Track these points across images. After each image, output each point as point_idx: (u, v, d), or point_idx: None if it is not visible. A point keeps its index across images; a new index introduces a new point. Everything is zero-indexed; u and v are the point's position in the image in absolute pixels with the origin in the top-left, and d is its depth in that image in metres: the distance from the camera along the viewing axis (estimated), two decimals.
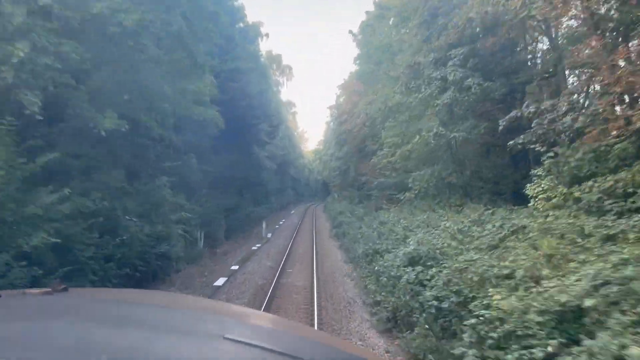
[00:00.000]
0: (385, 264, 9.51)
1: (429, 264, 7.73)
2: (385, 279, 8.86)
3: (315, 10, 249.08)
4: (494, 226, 8.63)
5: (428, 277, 7.57)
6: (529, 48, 15.34)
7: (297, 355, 1.01)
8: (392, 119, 15.86)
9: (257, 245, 22.28)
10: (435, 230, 10.80)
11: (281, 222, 35.46)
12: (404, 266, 8.39)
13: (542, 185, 10.00)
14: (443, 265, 7.51)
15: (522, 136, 9.74)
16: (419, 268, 7.61)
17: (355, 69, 34.00)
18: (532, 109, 10.04)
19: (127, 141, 11.69)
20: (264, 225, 26.02)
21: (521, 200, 14.69)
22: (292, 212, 48.92)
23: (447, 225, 9.92)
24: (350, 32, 25.64)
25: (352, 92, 32.16)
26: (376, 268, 9.64)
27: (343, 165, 39.71)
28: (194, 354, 0.97)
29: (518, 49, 14.68)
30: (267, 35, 30.44)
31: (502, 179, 16.73)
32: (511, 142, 10.00)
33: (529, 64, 14.24)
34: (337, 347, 1.35)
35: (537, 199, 10.11)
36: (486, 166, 16.47)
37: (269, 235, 26.34)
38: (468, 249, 8.05)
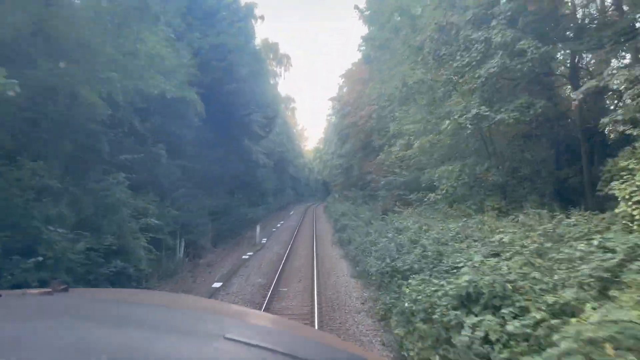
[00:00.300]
0: (419, 297, 6.54)
1: (504, 310, 4.76)
2: (422, 324, 5.88)
3: (315, 11, 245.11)
4: (589, 245, 5.65)
5: (501, 330, 4.64)
6: (581, 13, 12.37)
7: (298, 355, 1.00)
8: (411, 102, 12.87)
9: (249, 253, 19.30)
10: (481, 245, 7.83)
11: (278, 225, 32.48)
12: (454, 307, 5.43)
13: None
14: (530, 313, 4.55)
15: (619, 111, 6.76)
16: (489, 320, 4.63)
17: (359, 57, 31.03)
18: (622, 76, 7.05)
19: (63, 125, 8.71)
20: (257, 229, 23.03)
21: (568, 202, 11.81)
22: (291, 213, 45.99)
23: (506, 239, 6.93)
24: (356, 7, 22.65)
25: (356, 80, 29.09)
26: (406, 305, 6.65)
27: (345, 163, 36.74)
28: (194, 354, 0.96)
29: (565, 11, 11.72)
30: (262, 17, 27.37)
31: (540, 176, 13.79)
32: (605, 119, 7.02)
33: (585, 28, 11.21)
34: (337, 347, 1.33)
35: (630, 202, 7.14)
36: (525, 160, 13.52)
37: (264, 240, 23.35)
38: (559, 283, 5.09)
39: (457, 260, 7.26)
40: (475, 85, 9.13)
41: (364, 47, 26.31)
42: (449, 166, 11.83)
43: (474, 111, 8.97)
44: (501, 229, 7.66)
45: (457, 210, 12.10)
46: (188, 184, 16.34)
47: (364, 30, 27.68)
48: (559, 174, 13.49)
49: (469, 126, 9.35)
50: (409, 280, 8.55)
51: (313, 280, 13.52)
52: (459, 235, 8.82)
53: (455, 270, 7.05)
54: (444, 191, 11.27)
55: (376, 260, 11.73)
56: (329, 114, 58.53)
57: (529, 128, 13.65)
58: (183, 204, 15.70)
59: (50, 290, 1.36)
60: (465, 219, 10.05)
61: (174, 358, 0.92)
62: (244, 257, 18.56)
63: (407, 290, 8.27)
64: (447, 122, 10.11)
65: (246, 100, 20.80)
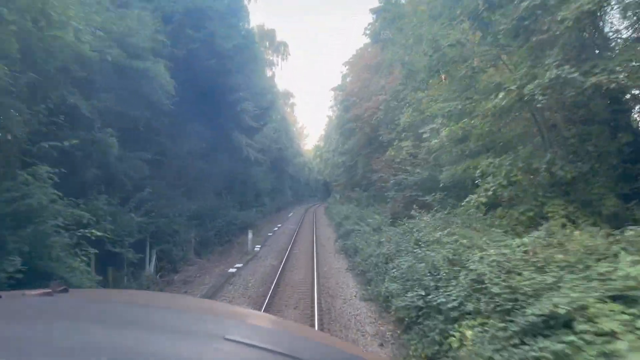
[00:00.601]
0: None
1: None
2: None
3: (315, 11, 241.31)
4: None
5: None
6: None
7: (297, 356, 0.99)
8: (441, 75, 9.96)
9: (237, 265, 16.34)
10: (582, 278, 4.90)
11: (275, 229, 29.55)
12: None
13: None
14: None
15: None
16: None
17: (365, 42, 28.06)
18: None
19: None
20: (249, 235, 20.08)
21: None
22: (290, 215, 43.08)
23: None
24: None
25: (362, 67, 26.12)
26: None
27: (348, 161, 33.70)
28: (194, 354, 0.95)
29: None
30: None
31: (598, 173, 10.88)
32: None
33: None
34: (337, 347, 1.32)
35: None
36: (581, 152, 10.62)
37: (257, 248, 20.39)
38: None
39: (557, 310, 4.32)
40: (557, 33, 6.22)
41: (370, 29, 23.45)
42: (495, 158, 8.92)
43: (551, 73, 6.06)
44: (630, 258, 4.70)
45: (505, 218, 9.17)
46: (160, 182, 13.39)
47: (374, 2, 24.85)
48: (632, 170, 10.58)
49: (540, 97, 6.46)
50: (463, 330, 5.64)
51: (314, 306, 10.57)
52: (533, 259, 5.87)
53: (558, 326, 4.13)
54: (489, 192, 8.41)
55: (397, 285, 8.81)
56: (330, 105, 54.96)
57: (586, 110, 10.79)
58: (154, 207, 12.73)
59: (50, 291, 1.34)
60: (534, 230, 7.09)
61: (174, 358, 0.91)
62: (230, 269, 15.60)
63: (461, 347, 5.38)
64: (501, 95, 7.19)
65: (236, 83, 17.76)
